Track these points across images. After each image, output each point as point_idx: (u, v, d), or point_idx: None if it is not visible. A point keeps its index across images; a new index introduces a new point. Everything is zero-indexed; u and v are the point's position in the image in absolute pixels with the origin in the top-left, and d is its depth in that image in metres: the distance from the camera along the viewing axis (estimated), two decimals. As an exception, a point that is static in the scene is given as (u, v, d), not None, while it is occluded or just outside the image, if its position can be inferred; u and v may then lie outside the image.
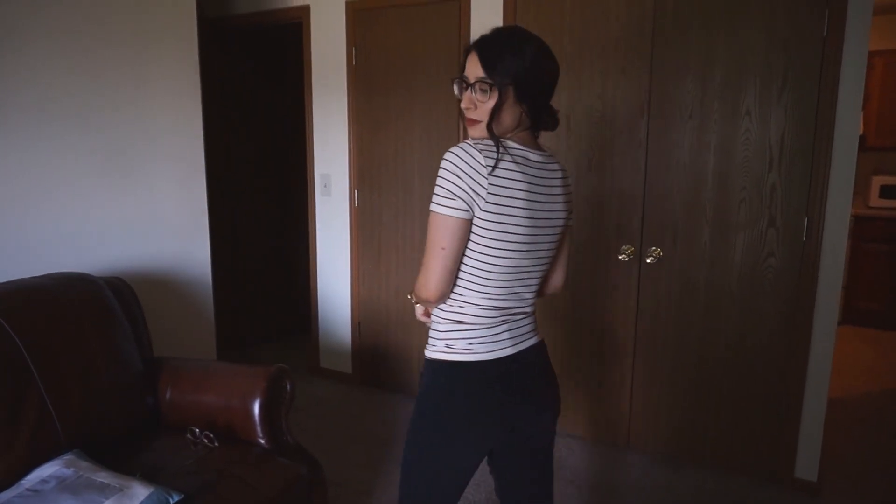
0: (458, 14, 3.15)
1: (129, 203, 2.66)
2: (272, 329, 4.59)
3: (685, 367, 2.85)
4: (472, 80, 1.33)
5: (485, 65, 1.30)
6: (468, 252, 1.32)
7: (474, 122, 1.35)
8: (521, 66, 1.29)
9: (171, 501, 1.66)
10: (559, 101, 2.88)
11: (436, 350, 1.40)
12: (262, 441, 2.10)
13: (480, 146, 1.27)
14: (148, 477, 1.78)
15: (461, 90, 1.37)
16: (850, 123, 2.40)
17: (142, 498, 1.61)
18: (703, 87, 2.64)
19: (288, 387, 2.20)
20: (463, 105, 1.36)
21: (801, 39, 2.44)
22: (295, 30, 3.76)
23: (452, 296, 1.37)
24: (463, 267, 1.34)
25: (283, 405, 2.19)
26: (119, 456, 1.94)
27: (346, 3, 3.47)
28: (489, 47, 1.30)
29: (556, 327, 3.11)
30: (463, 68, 1.36)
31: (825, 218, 2.48)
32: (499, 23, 3.02)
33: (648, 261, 2.81)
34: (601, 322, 3.00)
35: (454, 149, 1.27)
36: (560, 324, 3.10)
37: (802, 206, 2.52)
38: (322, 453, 2.95)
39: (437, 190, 1.27)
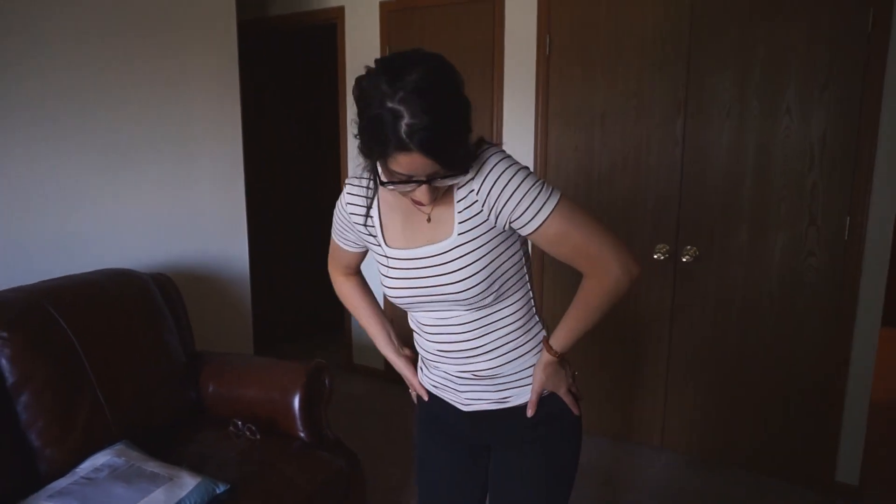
0: (493, 13, 3.16)
1: (171, 201, 2.72)
2: (306, 326, 4.66)
3: (721, 367, 2.82)
4: (425, 178, 1.03)
5: (441, 161, 1.01)
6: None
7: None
8: (463, 115, 1.04)
9: (218, 491, 1.71)
10: (595, 99, 2.88)
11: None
12: (302, 435, 2.14)
13: None
14: (193, 467, 1.83)
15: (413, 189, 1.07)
16: (894, 121, 2.35)
17: (190, 487, 1.66)
18: (741, 83, 2.61)
19: (326, 382, 2.24)
20: (426, 202, 1.08)
21: (844, 34, 2.40)
22: (331, 31, 3.81)
23: (534, 321, 1.29)
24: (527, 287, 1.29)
25: (323, 400, 2.23)
26: (165, 447, 2.00)
27: (380, 4, 3.51)
28: (434, 136, 0.97)
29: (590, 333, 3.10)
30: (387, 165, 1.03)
31: (868, 217, 2.44)
32: (533, 22, 3.01)
33: (684, 260, 2.79)
34: (635, 322, 2.99)
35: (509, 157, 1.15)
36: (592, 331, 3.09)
37: (845, 206, 2.48)
38: (356, 450, 3.00)
39: (543, 185, 1.12)
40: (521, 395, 1.26)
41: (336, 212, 1.31)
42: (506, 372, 1.25)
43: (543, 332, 1.30)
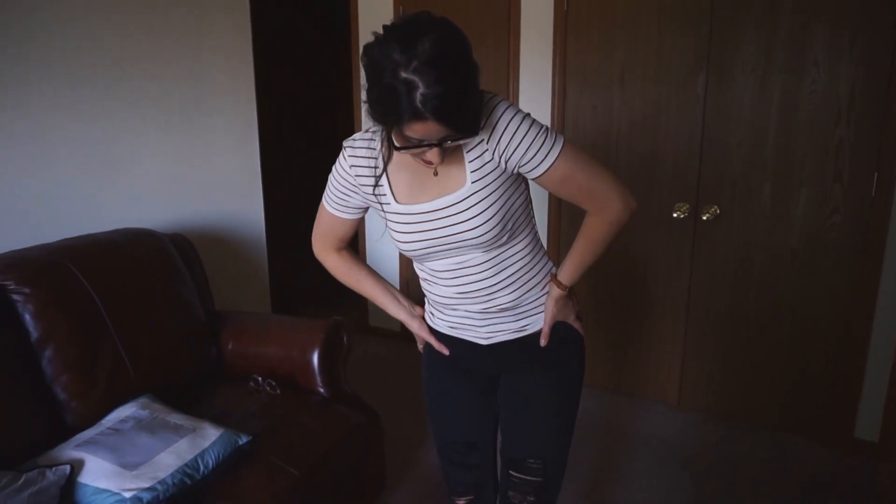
0: (510, -32, 3.08)
1: (186, 161, 2.72)
2: (322, 290, 4.68)
3: (740, 325, 2.80)
4: (437, 142, 1.04)
5: (455, 127, 1.02)
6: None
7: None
8: (474, 80, 1.03)
9: (241, 442, 1.74)
10: (614, 58, 2.82)
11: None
12: (321, 390, 2.16)
13: None
14: (215, 421, 1.86)
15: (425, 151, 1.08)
16: (926, 72, 2.28)
17: (213, 438, 1.69)
18: (766, 37, 2.53)
19: (344, 339, 2.25)
20: (437, 162, 1.10)
21: (875, -17, 2.31)
22: (343, -11, 3.74)
23: (542, 253, 1.36)
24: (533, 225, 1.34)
25: (341, 356, 2.24)
26: (187, 401, 2.03)
27: (395, -40, 3.43)
28: (448, 105, 0.98)
29: (608, 286, 3.09)
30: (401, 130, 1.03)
31: (896, 172, 2.38)
32: (551, -25, 2.94)
33: (704, 218, 2.76)
34: (654, 281, 2.96)
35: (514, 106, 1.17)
36: (612, 283, 3.08)
37: (873, 161, 2.42)
38: (374, 407, 3.03)
39: (549, 131, 1.16)
40: (538, 322, 1.33)
41: (335, 177, 1.29)
42: (525, 301, 1.31)
43: (551, 263, 1.37)
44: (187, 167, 2.72)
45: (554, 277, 1.30)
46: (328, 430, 1.97)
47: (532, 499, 1.39)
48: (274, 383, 2.10)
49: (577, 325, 1.37)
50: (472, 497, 1.52)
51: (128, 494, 1.46)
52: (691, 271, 2.86)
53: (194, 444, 1.65)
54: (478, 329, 1.34)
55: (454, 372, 1.44)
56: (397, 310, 1.46)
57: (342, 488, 2.03)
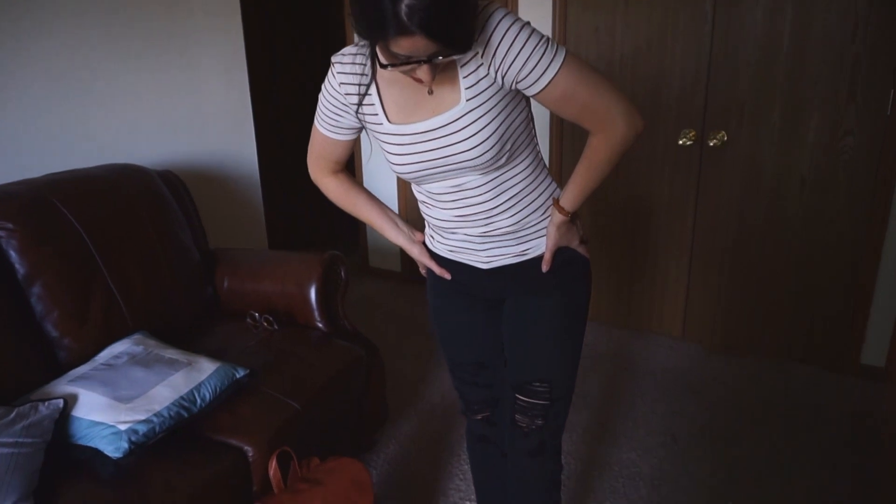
0: None
1: (173, 96, 2.61)
2: (321, 233, 4.63)
3: (747, 254, 2.74)
4: (425, 58, 0.95)
5: (444, 42, 0.93)
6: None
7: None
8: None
9: (238, 375, 1.70)
10: (617, -27, 2.67)
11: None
12: (320, 325, 2.12)
13: None
14: (212, 356, 1.83)
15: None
16: (950, -21, 2.15)
17: (209, 372, 1.65)
18: (780, -54, 2.38)
19: (342, 273, 2.20)
20: (428, 80, 1.01)
21: None
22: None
23: (545, 174, 1.28)
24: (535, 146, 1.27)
25: (339, 291, 2.20)
26: (183, 339, 1.99)
27: None
28: (437, 17, 0.89)
29: (611, 218, 3.02)
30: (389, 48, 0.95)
31: (913, 89, 2.28)
32: None
33: (711, 145, 2.66)
34: (659, 211, 2.89)
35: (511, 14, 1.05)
36: (616, 214, 3.01)
37: (889, 79, 2.31)
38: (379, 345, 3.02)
39: (549, 42, 1.05)
40: (540, 247, 1.27)
41: (324, 96, 1.21)
42: (526, 225, 1.24)
43: (555, 185, 1.29)
44: (174, 103, 2.62)
45: (556, 202, 1.22)
46: (327, 363, 1.93)
47: (540, 422, 1.36)
48: (271, 319, 2.06)
49: (581, 250, 1.30)
50: (487, 413, 1.51)
51: (123, 427, 1.43)
52: (697, 200, 2.78)
53: (190, 377, 1.61)
54: (478, 253, 1.28)
55: (458, 296, 1.39)
56: (396, 235, 1.40)
57: (343, 422, 2.02)
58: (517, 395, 1.36)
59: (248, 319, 2.11)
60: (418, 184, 1.24)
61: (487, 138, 1.09)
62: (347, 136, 1.27)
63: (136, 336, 1.82)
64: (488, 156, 1.11)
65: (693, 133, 2.69)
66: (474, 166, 1.13)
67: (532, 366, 1.33)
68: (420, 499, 2.02)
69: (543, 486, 1.44)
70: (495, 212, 1.21)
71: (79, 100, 2.28)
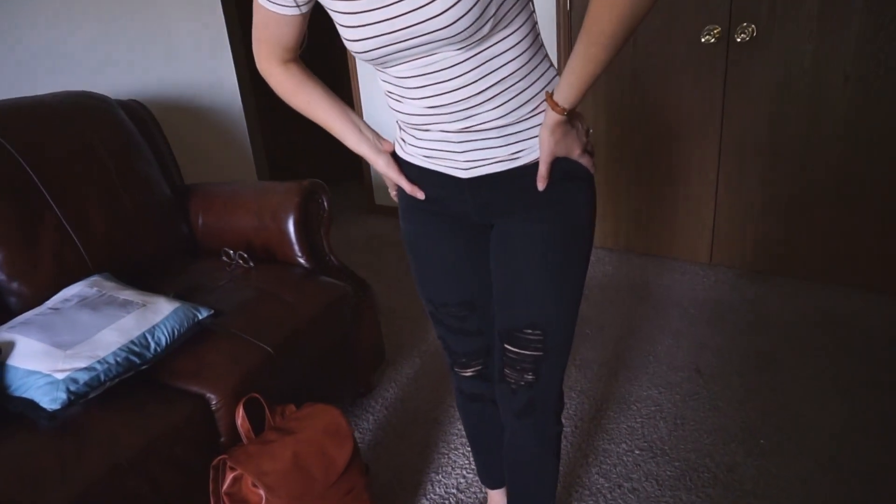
0: None
1: (136, 19, 2.37)
2: (322, 172, 4.41)
3: (781, 166, 2.45)
4: None
5: None
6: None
7: None
8: None
9: (200, 317, 1.52)
10: None
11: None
12: (301, 261, 1.93)
13: None
14: (181, 297, 1.65)
15: None
16: None
17: (166, 313, 1.47)
18: None
19: (324, 203, 1.99)
20: None
21: None
22: None
23: (543, 54, 1.01)
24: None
25: (322, 223, 1.99)
26: (151, 280, 1.82)
27: None
28: None
29: (628, 133, 2.74)
30: None
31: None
32: None
33: (738, 40, 2.34)
34: (681, 122, 2.60)
35: None
36: (632, 129, 2.72)
37: (950, -56, 1.95)
38: (377, 283, 2.84)
39: None
40: (535, 150, 1.00)
41: None
42: (518, 118, 0.98)
43: (554, 70, 1.00)
44: (136, 24, 2.38)
45: (548, 97, 0.93)
46: (307, 302, 1.74)
47: (530, 377, 1.12)
48: (246, 256, 1.87)
49: (585, 162, 1.01)
50: (479, 367, 1.28)
51: (60, 376, 1.26)
52: (723, 105, 2.48)
53: (143, 319, 1.44)
54: (456, 156, 1.02)
55: (435, 219, 1.14)
56: (358, 142, 1.14)
57: (331, 365, 1.84)
58: (505, 346, 1.13)
59: (224, 257, 1.93)
60: (384, 68, 0.99)
61: None
62: (293, 10, 1.01)
63: (94, 278, 1.65)
64: (464, 22, 0.85)
65: (717, 29, 2.37)
66: (448, 38, 0.87)
67: (521, 309, 1.09)
68: (418, 444, 1.86)
69: (536, 452, 1.22)
70: (478, 100, 0.95)
71: (26, 22, 2.06)
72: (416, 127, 1.03)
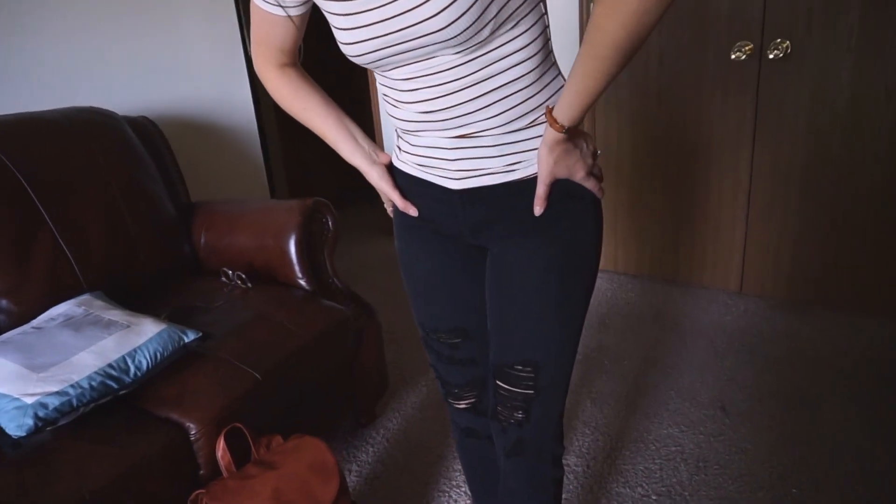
0: None
1: (151, 35, 2.36)
2: (342, 190, 4.37)
3: (816, 191, 2.30)
4: None
5: None
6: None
7: None
8: None
9: (186, 340, 1.45)
10: None
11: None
12: (302, 283, 1.86)
13: None
14: (174, 317, 1.59)
15: None
16: None
17: (150, 335, 1.41)
18: None
19: (329, 222, 1.92)
20: None
21: None
22: None
23: (552, 61, 0.92)
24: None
25: (326, 242, 1.92)
26: (148, 300, 1.77)
27: None
28: None
29: (653, 151, 2.62)
30: None
31: None
32: None
33: (771, 57, 2.21)
34: (710, 143, 2.47)
35: None
36: (658, 150, 2.60)
37: None
38: (387, 307, 2.75)
39: None
40: (534, 163, 0.91)
41: None
42: (517, 127, 0.89)
43: (563, 78, 0.91)
44: (149, 40, 2.37)
45: (548, 112, 0.85)
46: (304, 326, 1.66)
47: (520, 415, 1.02)
48: (244, 276, 1.81)
49: (590, 186, 0.92)
50: (473, 399, 1.18)
51: (29, 400, 1.20)
52: (755, 126, 2.34)
53: (125, 341, 1.37)
54: (448, 164, 0.93)
55: (429, 238, 1.06)
56: (352, 152, 1.07)
57: (327, 391, 1.75)
58: (496, 382, 1.03)
59: (223, 277, 1.86)
60: (381, 72, 0.92)
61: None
62: (290, 10, 0.96)
63: (84, 297, 1.60)
64: (461, 24, 0.78)
65: (749, 46, 2.24)
66: (444, 41, 0.80)
67: (512, 343, 0.99)
68: (419, 479, 1.74)
69: (530, 497, 1.11)
70: (474, 106, 0.86)
71: (37, 39, 2.05)
72: (410, 133, 0.96)
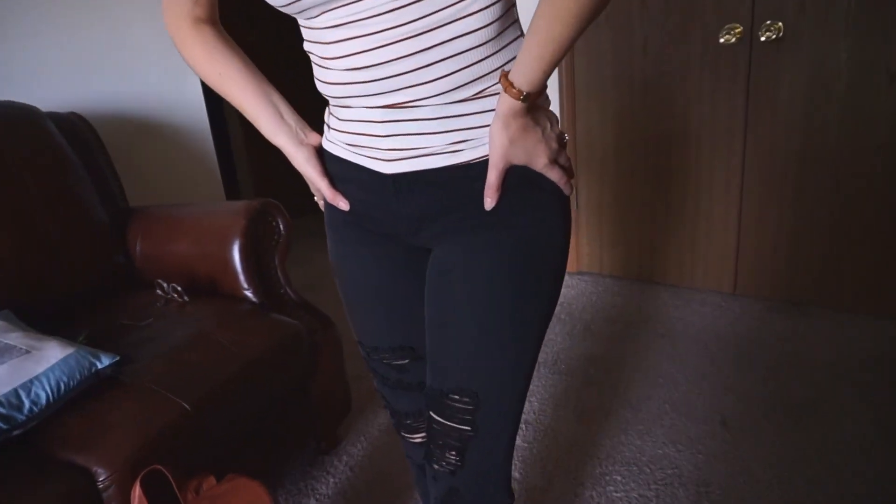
0: None
1: (86, 25, 2.14)
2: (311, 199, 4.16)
3: (813, 184, 2.13)
4: None
5: None
6: None
7: None
8: None
9: (99, 366, 1.23)
10: None
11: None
12: (248, 294, 1.64)
13: None
14: (95, 339, 1.37)
15: None
16: None
17: (52, 362, 1.19)
18: None
19: (280, 226, 1.71)
20: None
21: None
22: None
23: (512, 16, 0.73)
24: None
25: (277, 249, 1.71)
26: (70, 318, 1.55)
27: None
28: None
29: (637, 144, 2.44)
30: None
31: None
32: None
33: (763, 39, 2.04)
34: (698, 133, 2.29)
35: None
36: (643, 143, 2.42)
37: None
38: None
39: None
40: (484, 142, 0.72)
41: None
42: (461, 97, 0.70)
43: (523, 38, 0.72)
44: (85, 33, 2.14)
45: (504, 76, 0.68)
46: (248, 344, 1.45)
47: (454, 458, 0.81)
48: (180, 289, 1.59)
49: (553, 176, 0.74)
50: (426, 431, 0.96)
51: None
52: (747, 113, 2.17)
53: (20, 370, 1.15)
54: (378, 143, 0.75)
55: (364, 238, 0.86)
56: (275, 129, 0.86)
57: (278, 417, 1.54)
58: (430, 413, 0.83)
59: (158, 290, 1.64)
60: (307, 20, 0.72)
61: None
62: None
63: (-12, 318, 1.37)
64: None
65: (739, 28, 2.07)
66: None
67: (448, 366, 0.79)
68: (384, 516, 1.54)
69: None
70: (411, 64, 0.67)
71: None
72: (338, 103, 0.77)
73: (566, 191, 0.76)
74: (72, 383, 1.18)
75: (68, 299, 1.63)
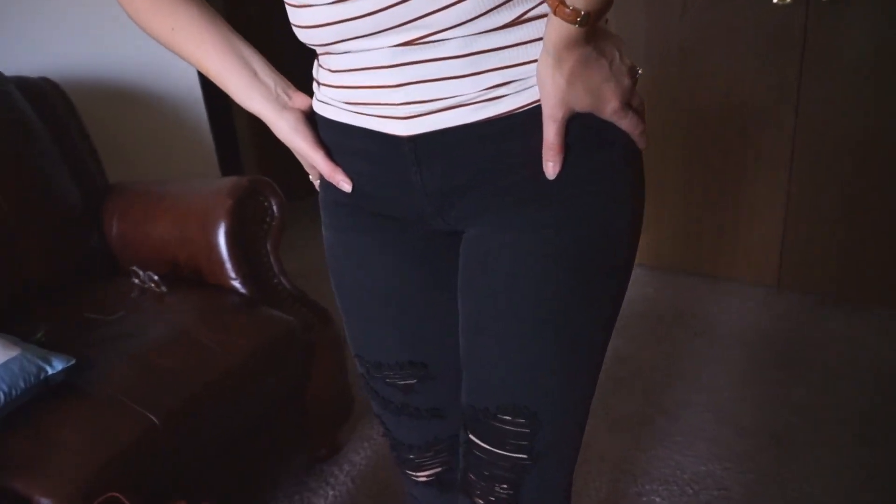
0: None
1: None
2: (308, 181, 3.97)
3: (876, 168, 1.91)
4: None
5: None
6: None
7: None
8: None
9: (49, 372, 1.04)
10: None
11: None
12: (236, 285, 1.45)
13: None
14: (53, 337, 1.18)
15: None
16: None
17: (-8, 367, 0.99)
18: None
19: (273, 206, 1.50)
20: None
21: None
22: None
23: None
24: None
25: (269, 234, 1.51)
26: (29, 312, 1.36)
27: None
28: None
29: (673, 121, 2.22)
30: None
31: None
32: None
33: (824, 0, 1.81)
34: (742, 109, 2.07)
35: None
36: (679, 117, 2.20)
37: None
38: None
39: None
40: (531, 85, 0.53)
41: None
42: (495, 24, 0.51)
43: None
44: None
45: None
46: (234, 343, 1.26)
47: (504, 491, 0.63)
48: (157, 278, 1.39)
49: (626, 125, 0.56)
50: (439, 468, 0.79)
51: None
52: (800, 86, 1.94)
53: (-49, 378, 0.96)
54: (388, 96, 0.55)
55: (370, 225, 0.67)
56: (248, 92, 0.65)
57: (270, 424, 1.35)
58: (470, 436, 0.65)
59: (134, 279, 1.45)
60: None
61: None
62: None
63: (-71, 310, 1.18)
64: None
65: (795, -13, 1.84)
66: None
67: (494, 377, 0.62)
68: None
69: None
70: None
71: None
72: (329, 49, 0.57)
73: (640, 143, 0.58)
74: (14, 393, 0.99)
75: (27, 290, 1.43)
